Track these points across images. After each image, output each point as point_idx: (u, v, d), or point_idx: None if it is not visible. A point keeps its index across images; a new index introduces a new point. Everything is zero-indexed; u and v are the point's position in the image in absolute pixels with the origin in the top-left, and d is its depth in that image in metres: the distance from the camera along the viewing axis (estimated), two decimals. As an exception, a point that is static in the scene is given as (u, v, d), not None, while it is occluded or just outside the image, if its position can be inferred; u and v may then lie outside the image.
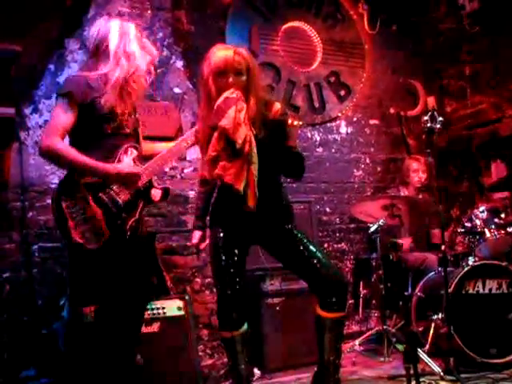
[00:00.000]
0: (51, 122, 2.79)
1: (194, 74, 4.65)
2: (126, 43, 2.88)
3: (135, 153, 2.89)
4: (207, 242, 2.95)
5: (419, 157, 5.02)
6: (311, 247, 2.73)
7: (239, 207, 2.59)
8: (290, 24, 5.30)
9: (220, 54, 2.61)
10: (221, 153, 2.48)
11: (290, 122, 2.74)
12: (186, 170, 4.60)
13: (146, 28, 4.54)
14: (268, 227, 2.76)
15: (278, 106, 2.57)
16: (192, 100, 4.68)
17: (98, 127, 2.81)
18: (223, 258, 2.71)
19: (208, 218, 2.96)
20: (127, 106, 2.90)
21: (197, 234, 3.03)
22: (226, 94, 2.47)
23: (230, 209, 2.72)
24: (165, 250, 4.39)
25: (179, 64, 4.66)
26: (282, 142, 2.55)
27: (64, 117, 2.75)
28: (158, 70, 4.32)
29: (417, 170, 4.90)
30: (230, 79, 2.53)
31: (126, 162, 2.84)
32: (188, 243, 4.38)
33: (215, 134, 2.49)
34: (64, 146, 2.76)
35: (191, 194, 4.53)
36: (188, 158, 4.62)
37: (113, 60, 2.82)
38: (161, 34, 4.62)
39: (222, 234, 2.76)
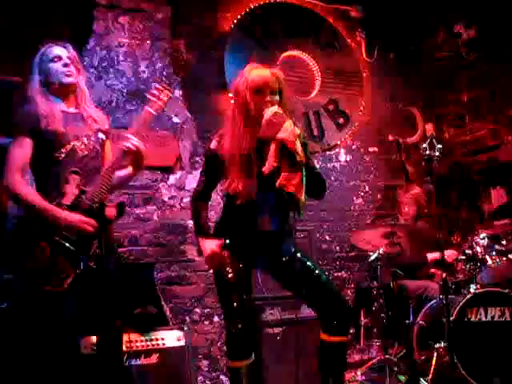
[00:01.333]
0: (9, 157, 2.81)
1: (193, 103, 4.73)
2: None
3: (77, 178, 2.83)
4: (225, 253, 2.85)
5: (413, 187, 5.02)
6: (320, 273, 2.81)
7: (253, 225, 2.67)
8: (288, 53, 5.33)
9: (257, 72, 2.68)
10: (282, 164, 2.53)
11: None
12: (185, 200, 4.58)
13: (146, 58, 4.60)
14: (280, 250, 2.80)
15: (298, 130, 2.62)
16: (191, 129, 4.71)
17: (45, 154, 2.83)
18: (231, 277, 2.73)
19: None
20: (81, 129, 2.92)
21: (213, 242, 2.78)
22: (274, 109, 2.55)
23: (244, 226, 2.74)
24: (164, 280, 4.38)
25: (178, 93, 4.67)
26: (306, 162, 2.63)
27: (20, 150, 2.80)
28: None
29: (403, 203, 4.92)
30: (268, 97, 2.61)
31: (71, 194, 2.81)
32: (187, 272, 4.46)
33: (273, 146, 2.52)
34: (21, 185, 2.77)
35: (190, 223, 4.46)
36: (187, 188, 4.60)
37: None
38: (160, 64, 4.65)
39: (228, 252, 2.78)
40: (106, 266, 2.84)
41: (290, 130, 2.50)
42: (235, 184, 2.62)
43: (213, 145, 2.78)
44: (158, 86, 2.95)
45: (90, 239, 2.80)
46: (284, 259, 2.81)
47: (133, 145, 2.84)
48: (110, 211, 2.88)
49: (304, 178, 2.55)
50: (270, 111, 2.56)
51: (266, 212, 2.69)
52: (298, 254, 2.83)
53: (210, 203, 2.92)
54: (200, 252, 2.95)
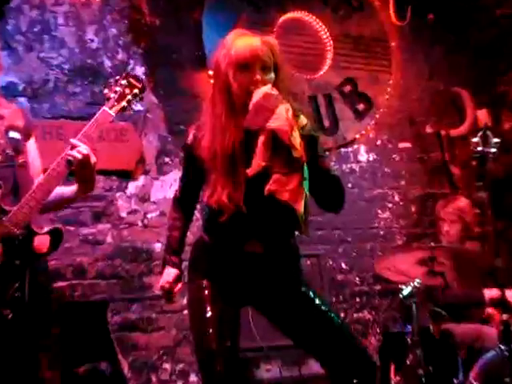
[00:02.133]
0: None
1: (160, 84, 4.80)
2: None
3: None
4: (179, 286, 2.94)
5: (457, 198, 5.05)
6: (333, 315, 2.83)
7: (240, 246, 2.72)
8: (289, 15, 5.36)
9: (244, 41, 2.70)
10: (273, 163, 2.56)
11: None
12: (149, 215, 4.66)
13: (94, 22, 4.66)
14: (278, 281, 2.82)
15: (304, 119, 2.68)
16: (157, 120, 4.75)
17: None
18: (211, 316, 2.73)
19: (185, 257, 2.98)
20: None
21: (171, 273, 2.93)
22: (265, 89, 2.57)
23: (228, 248, 2.77)
24: (121, 325, 4.44)
25: (140, 70, 4.72)
26: (316, 162, 2.65)
27: None
28: (110, 80, 4.43)
29: (444, 220, 4.93)
30: (257, 76, 2.63)
31: None
32: (153, 314, 4.57)
33: (261, 139, 2.56)
34: None
35: (157, 247, 4.57)
36: (153, 199, 4.70)
37: None
38: (114, 31, 4.70)
39: (208, 284, 2.80)
40: (30, 314, 2.83)
41: (284, 118, 2.52)
42: (218, 194, 2.66)
43: (189, 139, 2.82)
44: (121, 80, 3.05)
45: (5, 280, 2.80)
46: (283, 294, 2.81)
47: (80, 153, 2.87)
48: (41, 242, 2.90)
49: (305, 182, 2.57)
50: (259, 92, 2.57)
51: (256, 228, 2.71)
52: (303, 288, 2.84)
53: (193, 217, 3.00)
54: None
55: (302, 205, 2.57)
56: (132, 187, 4.68)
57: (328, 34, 5.50)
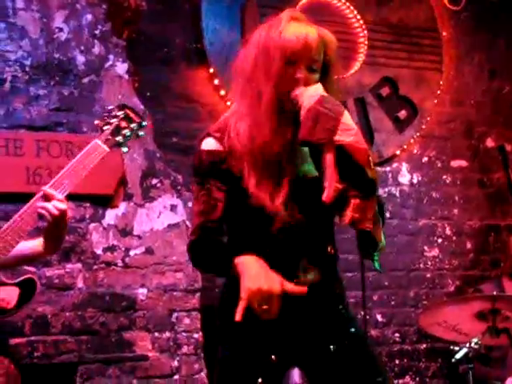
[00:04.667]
0: None
1: (148, 85, 4.64)
2: None
3: None
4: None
5: None
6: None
7: (293, 273, 2.55)
8: None
9: (296, 29, 2.57)
10: (348, 186, 2.47)
11: None
12: (132, 253, 4.38)
13: (64, 6, 4.39)
14: (324, 335, 2.66)
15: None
16: (145, 129, 4.28)
17: None
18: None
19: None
20: None
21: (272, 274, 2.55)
22: (318, 90, 2.49)
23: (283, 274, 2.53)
24: None
25: (121, 68, 4.52)
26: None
27: None
28: (84, 80, 4.36)
29: None
30: (299, 74, 2.52)
31: None
32: (134, 380, 4.31)
33: (330, 157, 2.44)
34: None
35: (141, 294, 4.34)
36: (136, 232, 4.42)
37: None
38: (89, 18, 4.47)
39: (237, 351, 2.62)
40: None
41: (354, 129, 2.44)
42: (265, 197, 2.54)
43: (210, 144, 2.64)
44: (118, 111, 3.07)
45: None
46: (332, 347, 2.63)
47: (57, 209, 2.82)
48: (8, 296, 2.91)
49: (379, 207, 2.54)
50: (309, 95, 2.47)
51: (308, 247, 2.60)
52: (359, 342, 2.69)
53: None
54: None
55: (382, 235, 2.52)
56: (110, 217, 4.38)
57: (361, 21, 5.29)
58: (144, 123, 3.14)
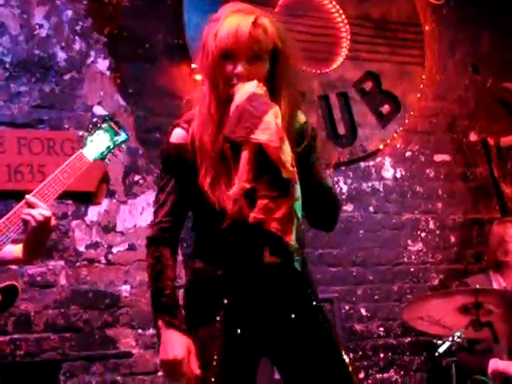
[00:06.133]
0: None
1: (129, 81, 4.64)
2: None
3: None
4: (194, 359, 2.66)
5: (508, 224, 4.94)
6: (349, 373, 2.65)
7: (257, 256, 2.61)
8: None
9: (229, 23, 2.58)
10: (258, 185, 2.50)
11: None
12: (115, 249, 4.47)
13: (43, 1, 4.43)
14: (293, 326, 2.68)
15: (302, 117, 2.67)
16: (126, 126, 4.13)
17: None
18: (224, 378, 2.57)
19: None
20: None
21: (182, 341, 2.61)
22: (250, 88, 2.49)
23: (243, 260, 2.66)
24: None
25: (102, 64, 4.57)
26: (309, 170, 2.65)
27: None
28: (65, 77, 4.42)
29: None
30: (239, 68, 2.53)
31: None
32: (118, 376, 4.35)
33: (245, 154, 2.50)
34: None
35: (125, 290, 4.41)
36: (120, 228, 4.50)
37: None
38: (69, 13, 4.50)
39: (222, 327, 2.61)
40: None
41: (274, 128, 2.43)
42: (218, 194, 2.58)
43: (177, 136, 2.64)
44: (103, 123, 3.14)
45: None
46: (292, 316, 2.67)
47: (42, 216, 2.87)
48: None
49: (297, 204, 2.52)
50: (243, 92, 2.47)
51: (265, 236, 2.59)
52: (320, 316, 2.69)
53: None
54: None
55: (294, 235, 2.52)
56: (93, 213, 4.44)
57: (344, 16, 5.29)
58: (126, 137, 3.22)
